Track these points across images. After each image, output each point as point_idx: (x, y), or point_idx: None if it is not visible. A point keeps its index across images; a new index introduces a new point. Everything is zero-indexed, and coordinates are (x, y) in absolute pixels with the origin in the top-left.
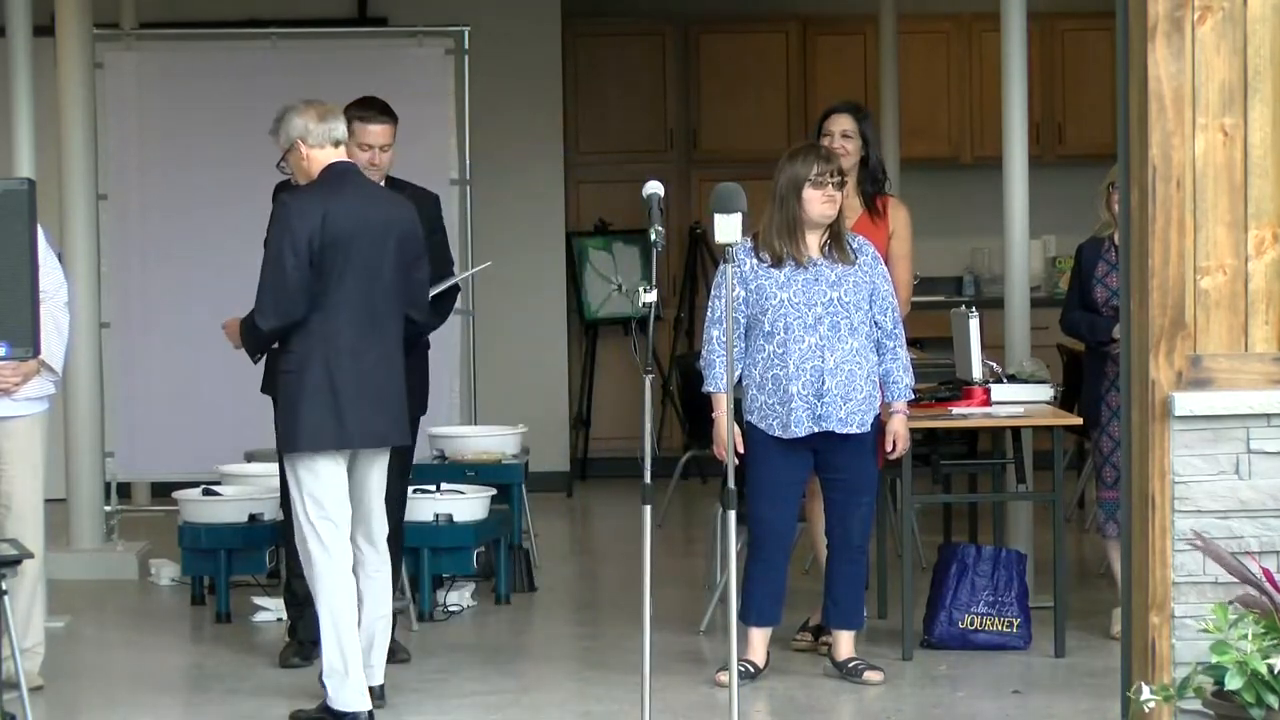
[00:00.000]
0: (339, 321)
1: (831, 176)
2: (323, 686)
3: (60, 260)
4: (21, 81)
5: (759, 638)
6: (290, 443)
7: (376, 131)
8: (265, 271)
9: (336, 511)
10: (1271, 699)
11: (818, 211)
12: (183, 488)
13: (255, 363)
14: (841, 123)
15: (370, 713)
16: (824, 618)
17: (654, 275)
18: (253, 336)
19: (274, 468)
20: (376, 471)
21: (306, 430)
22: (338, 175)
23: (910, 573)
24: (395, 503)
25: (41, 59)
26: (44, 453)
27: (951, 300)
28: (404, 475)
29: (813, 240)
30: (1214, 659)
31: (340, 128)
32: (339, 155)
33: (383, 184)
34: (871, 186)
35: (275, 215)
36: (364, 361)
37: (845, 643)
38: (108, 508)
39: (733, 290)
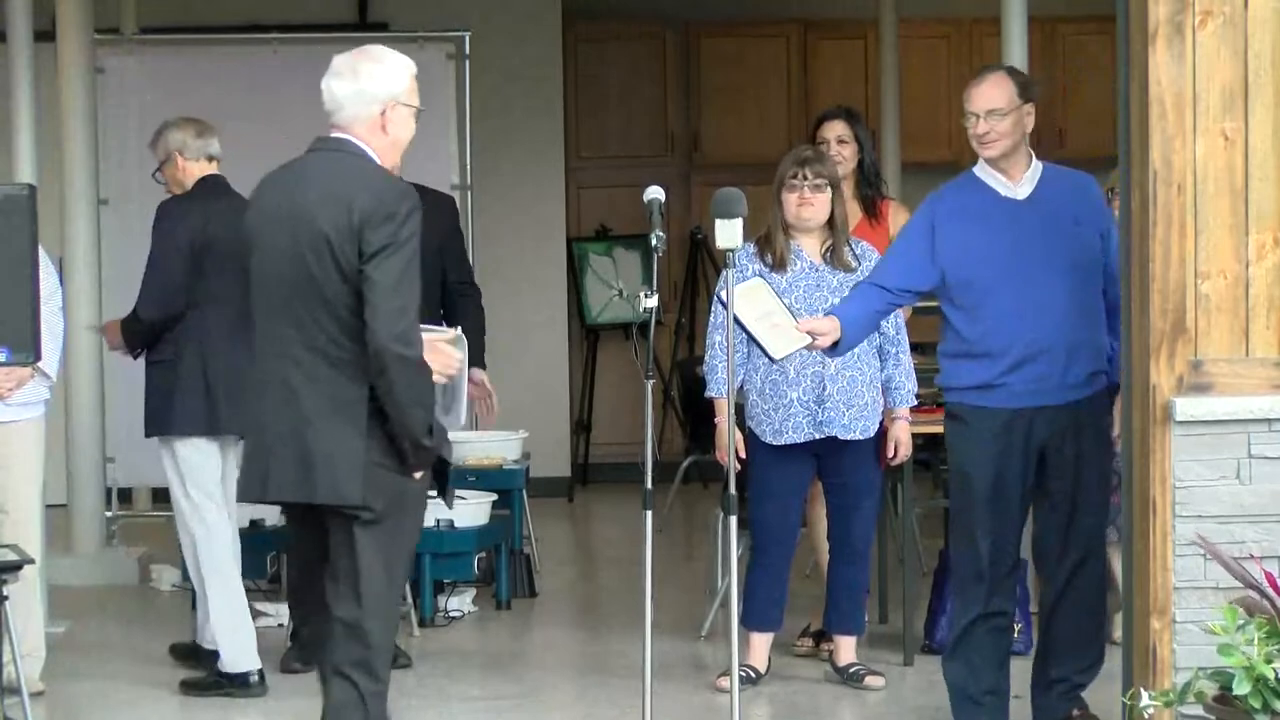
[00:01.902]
0: (213, 318)
1: (805, 179)
2: (211, 656)
3: (59, 265)
4: (22, 86)
5: (760, 643)
6: (162, 426)
7: None
8: (150, 270)
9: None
10: (1278, 704)
11: (793, 214)
12: None
13: (135, 358)
14: (835, 129)
15: (260, 671)
16: (825, 623)
17: (655, 280)
18: (133, 331)
19: None
20: (234, 458)
21: (181, 416)
22: (212, 186)
23: (911, 577)
24: None
25: (42, 64)
26: (41, 458)
27: None
28: None
29: (812, 245)
30: (1222, 660)
31: (214, 144)
32: (212, 169)
33: None
34: (868, 189)
35: (159, 220)
36: (236, 357)
37: (846, 648)
38: (108, 513)
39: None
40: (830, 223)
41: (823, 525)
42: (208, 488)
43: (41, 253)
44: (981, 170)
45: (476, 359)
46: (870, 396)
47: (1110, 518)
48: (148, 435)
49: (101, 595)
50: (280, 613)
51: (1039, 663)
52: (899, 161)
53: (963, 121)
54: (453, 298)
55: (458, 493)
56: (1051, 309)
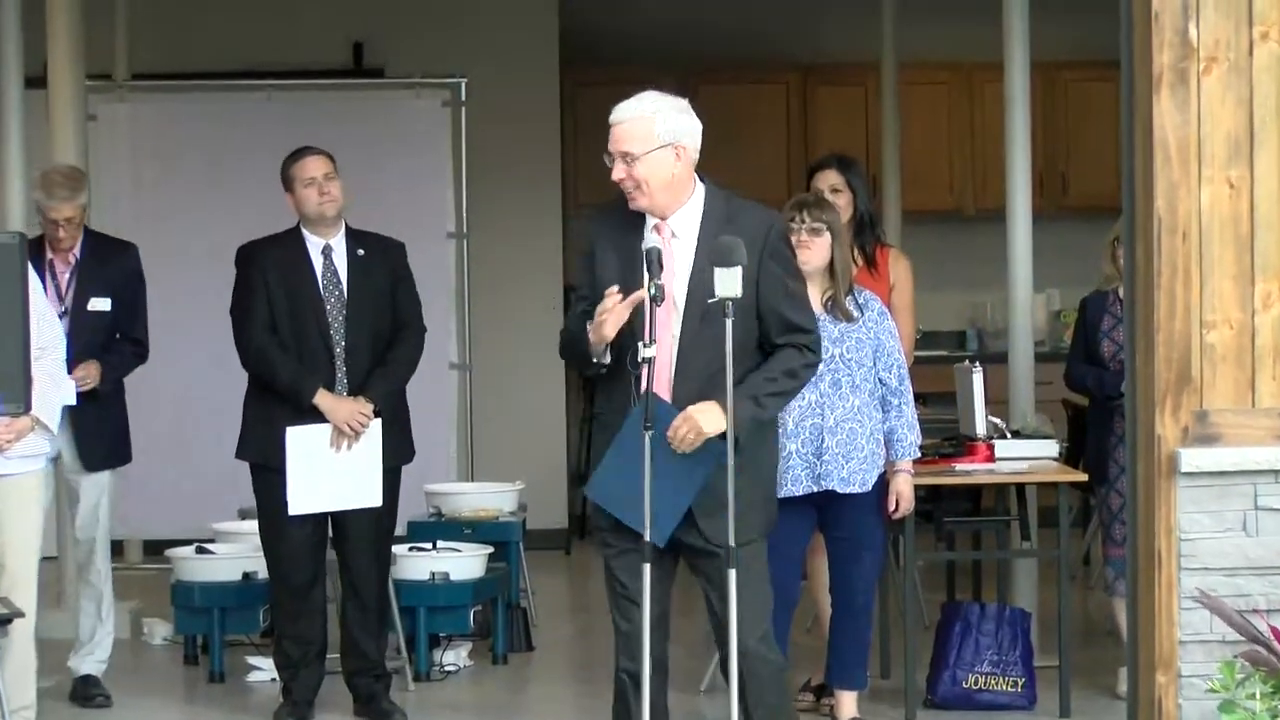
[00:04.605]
0: None
1: (803, 222)
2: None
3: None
4: (14, 133)
5: None
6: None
7: (313, 161)
8: (141, 305)
9: None
10: None
11: None
12: (176, 546)
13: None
14: (829, 178)
15: None
16: (826, 677)
17: (652, 329)
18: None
19: None
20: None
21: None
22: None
23: (913, 631)
24: (378, 558)
25: (34, 110)
26: (41, 512)
27: (954, 354)
28: (389, 531)
29: (813, 293)
30: (1223, 718)
31: None
32: None
33: (341, 223)
34: (864, 238)
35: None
36: None
37: (848, 702)
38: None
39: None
40: (831, 270)
41: (824, 577)
42: None
43: (45, 302)
44: None
45: (381, 386)
46: (870, 449)
47: (1118, 570)
48: (119, 465)
49: None
50: (272, 667)
51: None
52: (899, 208)
53: None
54: (399, 333)
55: (454, 545)
56: None
